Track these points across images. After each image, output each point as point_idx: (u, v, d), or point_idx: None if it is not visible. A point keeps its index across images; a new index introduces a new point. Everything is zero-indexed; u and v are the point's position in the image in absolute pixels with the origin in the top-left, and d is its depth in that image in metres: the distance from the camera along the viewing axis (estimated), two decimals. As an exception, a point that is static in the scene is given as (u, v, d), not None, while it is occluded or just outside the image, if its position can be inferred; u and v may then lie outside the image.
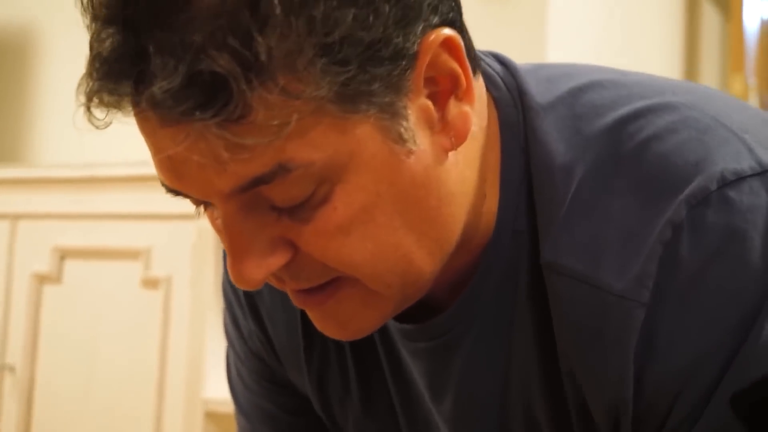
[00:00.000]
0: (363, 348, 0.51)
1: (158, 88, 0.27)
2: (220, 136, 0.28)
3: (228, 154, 0.29)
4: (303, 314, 0.47)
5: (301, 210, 0.33)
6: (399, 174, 0.35)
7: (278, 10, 0.28)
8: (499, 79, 0.40)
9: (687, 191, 0.34)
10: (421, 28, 0.32)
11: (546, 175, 0.40)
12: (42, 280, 1.28)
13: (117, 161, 1.36)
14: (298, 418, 0.58)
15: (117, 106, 0.30)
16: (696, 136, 0.36)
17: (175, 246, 1.21)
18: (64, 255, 1.29)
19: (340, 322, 0.40)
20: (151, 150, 0.32)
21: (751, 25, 1.58)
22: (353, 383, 0.53)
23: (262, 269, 0.33)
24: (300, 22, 0.28)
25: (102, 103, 0.30)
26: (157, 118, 0.29)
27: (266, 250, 0.34)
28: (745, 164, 0.34)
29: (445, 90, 0.34)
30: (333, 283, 0.36)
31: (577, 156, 0.38)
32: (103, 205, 1.30)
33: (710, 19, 1.70)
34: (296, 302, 0.39)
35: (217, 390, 1.14)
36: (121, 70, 0.29)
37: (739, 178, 0.34)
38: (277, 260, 0.33)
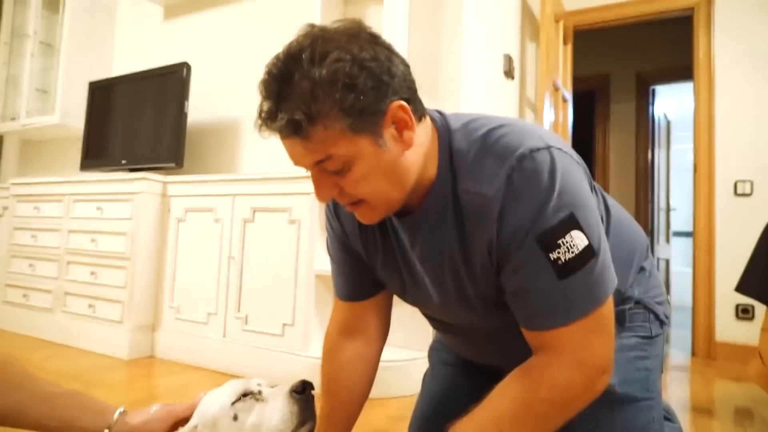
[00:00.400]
0: (383, 229, 0.97)
1: (278, 123, 0.72)
2: (301, 144, 0.73)
3: (305, 151, 0.74)
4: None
5: (340, 173, 0.76)
6: (380, 160, 0.77)
7: (322, 96, 0.70)
8: (438, 117, 0.87)
9: (516, 154, 0.76)
10: (387, 101, 0.74)
11: (457, 154, 0.83)
12: (245, 222, 2.36)
13: (278, 171, 2.43)
14: (356, 261, 1.05)
15: (270, 129, 0.74)
16: (519, 134, 0.80)
17: (301, 207, 2.19)
18: (257, 211, 2.33)
19: (363, 218, 0.85)
20: (287, 151, 0.77)
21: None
22: (378, 244, 0.98)
23: (327, 195, 0.79)
24: (330, 101, 0.70)
25: (266, 130, 0.75)
26: (282, 137, 0.74)
27: (328, 188, 0.78)
28: (540, 144, 0.77)
29: (401, 125, 0.77)
30: (358, 203, 0.81)
31: (471, 146, 0.82)
32: (272, 189, 2.28)
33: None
34: (347, 210, 0.85)
35: (320, 265, 2.14)
36: (269, 117, 0.74)
37: (536, 150, 0.77)
38: (332, 192, 0.79)
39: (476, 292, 0.88)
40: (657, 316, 1.07)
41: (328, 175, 0.78)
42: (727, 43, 3.20)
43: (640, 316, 1.04)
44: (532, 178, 0.76)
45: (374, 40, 0.77)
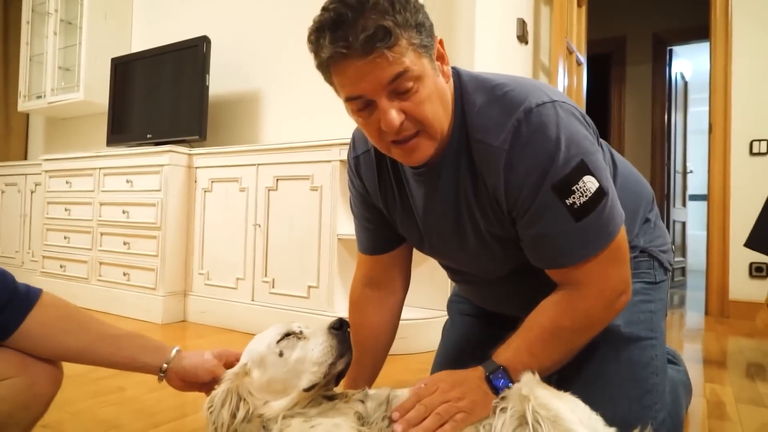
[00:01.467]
0: (400, 184, 1.05)
1: (364, 35, 0.77)
2: (386, 54, 0.78)
3: (387, 63, 0.78)
4: (378, 174, 1.06)
5: (408, 95, 0.82)
6: (437, 83, 0.86)
7: (401, 11, 0.79)
8: (452, 71, 0.93)
9: (522, 107, 0.85)
10: (434, 34, 0.86)
11: (467, 105, 0.90)
12: (269, 190, 2.45)
13: (300, 140, 2.56)
14: (377, 217, 1.14)
15: (350, 49, 0.78)
16: (525, 89, 0.88)
17: (322, 174, 2.27)
18: (279, 179, 2.41)
19: (413, 154, 0.89)
20: (345, 80, 0.82)
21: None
22: (397, 200, 1.07)
23: (398, 118, 0.82)
24: (409, 16, 0.80)
25: (340, 55, 0.79)
26: (363, 52, 0.78)
27: (397, 111, 0.82)
28: (545, 98, 0.86)
29: (442, 59, 0.88)
30: (413, 136, 0.86)
31: (479, 98, 0.90)
32: (294, 158, 2.36)
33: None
34: (396, 149, 0.87)
35: (342, 230, 2.21)
36: (350, 34, 0.77)
37: (540, 104, 0.85)
38: (400, 115, 0.82)
39: (491, 233, 0.96)
40: (661, 264, 1.15)
41: (394, 102, 0.82)
42: (744, 1, 3.16)
43: (645, 263, 1.12)
44: (539, 130, 0.84)
45: None
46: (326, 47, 0.80)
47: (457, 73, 0.96)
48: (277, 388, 0.91)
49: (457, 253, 1.07)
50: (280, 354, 0.92)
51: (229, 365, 0.98)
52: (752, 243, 1.84)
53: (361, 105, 0.84)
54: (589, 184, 0.84)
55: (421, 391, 0.86)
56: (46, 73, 3.78)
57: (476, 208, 0.95)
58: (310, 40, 0.84)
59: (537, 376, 0.83)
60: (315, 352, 0.90)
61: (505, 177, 0.87)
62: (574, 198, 0.83)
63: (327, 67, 0.84)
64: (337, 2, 0.79)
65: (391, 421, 0.83)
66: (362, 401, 0.90)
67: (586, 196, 0.84)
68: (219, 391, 0.92)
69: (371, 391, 0.94)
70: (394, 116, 0.82)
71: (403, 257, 1.21)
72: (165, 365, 0.95)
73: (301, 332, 0.95)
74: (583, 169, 0.84)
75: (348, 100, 0.85)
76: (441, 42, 0.88)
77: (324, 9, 0.81)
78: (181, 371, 0.95)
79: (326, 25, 0.79)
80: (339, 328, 0.93)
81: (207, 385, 0.96)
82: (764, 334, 1.83)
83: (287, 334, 0.94)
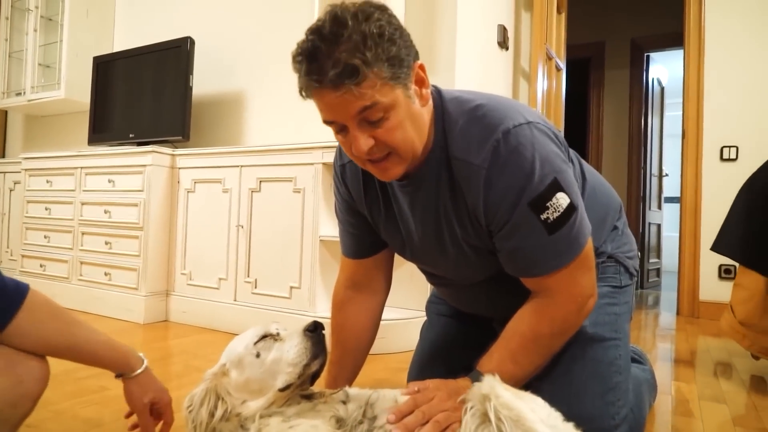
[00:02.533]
0: (385, 193, 1.09)
1: (333, 72, 0.80)
2: (354, 90, 0.81)
3: (355, 98, 0.82)
4: (364, 183, 1.10)
5: (378, 123, 0.86)
6: (410, 109, 0.89)
7: (372, 47, 0.81)
8: (433, 90, 0.98)
9: (501, 128, 0.90)
10: (412, 59, 0.88)
11: (448, 124, 0.96)
12: (252, 191, 2.45)
13: (283, 143, 2.62)
14: (361, 223, 1.18)
15: (321, 84, 0.82)
16: (503, 110, 0.94)
17: (305, 177, 2.29)
18: (263, 181, 2.42)
19: (385, 173, 0.93)
20: (321, 106, 0.86)
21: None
22: (381, 208, 1.11)
23: (365, 145, 0.87)
24: (381, 52, 0.81)
25: (313, 87, 0.84)
26: (332, 87, 0.81)
27: (367, 138, 0.87)
28: (520, 119, 0.91)
29: (420, 82, 0.91)
30: (386, 156, 0.90)
31: (460, 117, 0.95)
32: (278, 160, 2.38)
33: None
34: (370, 166, 0.92)
35: (324, 231, 2.24)
36: (321, 70, 0.81)
37: (517, 125, 0.91)
38: (369, 142, 0.87)
39: (469, 243, 1.02)
40: (627, 269, 1.21)
41: (365, 128, 0.87)
42: (717, 11, 3.27)
43: (612, 268, 1.18)
44: (515, 150, 0.89)
45: (389, 11, 0.89)
46: (303, 76, 0.85)
47: (438, 93, 1.01)
48: (254, 387, 0.95)
49: (437, 260, 1.12)
50: (257, 355, 0.96)
51: (153, 412, 1.05)
52: (718, 247, 1.92)
53: (336, 128, 0.89)
54: (562, 200, 0.90)
55: (418, 398, 0.89)
56: (25, 70, 3.74)
57: (455, 220, 1.00)
58: (293, 61, 0.88)
59: (497, 376, 0.87)
60: (290, 354, 0.94)
61: (484, 193, 0.92)
62: (548, 213, 0.90)
63: (305, 90, 0.89)
64: (314, 33, 0.83)
65: (388, 423, 0.86)
66: (344, 402, 0.94)
67: (558, 211, 0.90)
68: (198, 390, 0.96)
69: (352, 391, 0.98)
70: (362, 143, 0.87)
71: (385, 261, 1.26)
72: (125, 375, 1.02)
73: (278, 334, 0.99)
74: (556, 186, 0.90)
75: (324, 122, 0.90)
76: (422, 67, 0.91)
77: (305, 37, 0.85)
78: (127, 389, 1.03)
79: (304, 54, 0.84)
80: (314, 330, 0.97)
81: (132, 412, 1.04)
82: (729, 334, 1.91)
83: (264, 336, 0.98)
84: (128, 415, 1.08)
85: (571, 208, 0.91)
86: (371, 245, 1.22)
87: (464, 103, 0.98)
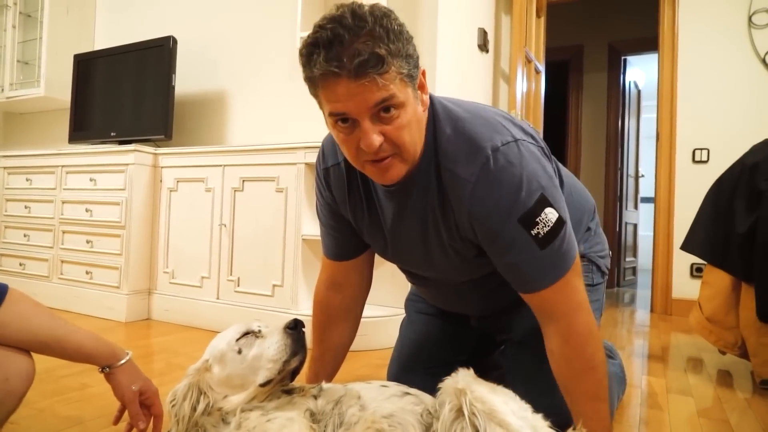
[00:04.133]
0: (369, 197, 1.10)
1: (358, 59, 0.80)
2: (377, 79, 0.82)
3: (376, 87, 0.82)
4: (348, 188, 1.11)
5: (390, 119, 0.87)
6: (416, 111, 0.91)
7: (395, 41, 0.83)
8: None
9: (490, 145, 0.93)
10: (419, 65, 0.90)
11: (439, 132, 0.98)
12: (235, 191, 2.46)
13: (266, 143, 2.65)
14: (343, 226, 1.20)
15: (342, 68, 0.81)
16: (492, 126, 0.97)
17: (287, 176, 2.31)
18: (245, 180, 2.44)
19: (386, 174, 0.93)
20: (334, 97, 0.84)
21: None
22: (365, 212, 1.13)
23: (377, 140, 0.87)
24: (401, 47, 0.84)
25: (331, 74, 0.82)
26: (354, 75, 0.81)
27: (377, 134, 0.87)
28: (509, 138, 0.95)
29: (421, 88, 0.93)
30: (388, 157, 0.91)
31: (448, 127, 0.98)
32: (260, 160, 2.40)
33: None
34: (370, 166, 0.92)
35: (306, 230, 2.27)
36: (344, 56, 0.81)
37: (505, 143, 0.94)
38: (380, 138, 0.87)
39: (454, 248, 1.05)
40: (599, 268, 1.27)
41: (376, 123, 0.87)
42: (690, 16, 3.36)
43: (585, 267, 1.24)
44: (504, 169, 0.92)
45: None
46: (319, 64, 0.82)
47: (430, 99, 1.02)
48: (236, 383, 0.98)
49: (421, 263, 1.15)
50: (239, 351, 0.99)
51: (143, 402, 1.07)
52: (687, 246, 1.99)
53: (343, 122, 0.88)
54: (551, 215, 0.93)
55: None
56: (4, 66, 3.70)
57: (442, 226, 1.03)
58: (302, 54, 0.86)
59: (471, 371, 0.91)
60: (270, 350, 0.97)
61: (469, 206, 0.95)
62: (538, 228, 0.92)
63: (315, 82, 0.87)
64: (334, 22, 0.82)
65: None
66: (315, 397, 0.98)
67: (548, 226, 0.93)
68: (181, 385, 0.99)
69: (326, 386, 1.02)
70: (375, 139, 0.87)
71: (366, 262, 1.29)
72: (111, 366, 1.05)
73: (259, 331, 1.02)
74: (544, 201, 0.93)
75: (332, 115, 0.88)
76: (423, 73, 0.93)
77: (320, 26, 0.84)
78: (114, 380, 1.05)
79: (321, 42, 0.82)
80: (294, 327, 1.00)
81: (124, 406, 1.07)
82: (697, 330, 1.99)
83: (246, 333, 1.02)
84: (116, 421, 1.10)
85: (560, 222, 0.94)
86: (353, 248, 1.25)
87: (454, 113, 1.00)
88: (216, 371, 1.00)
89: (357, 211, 1.14)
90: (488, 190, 0.92)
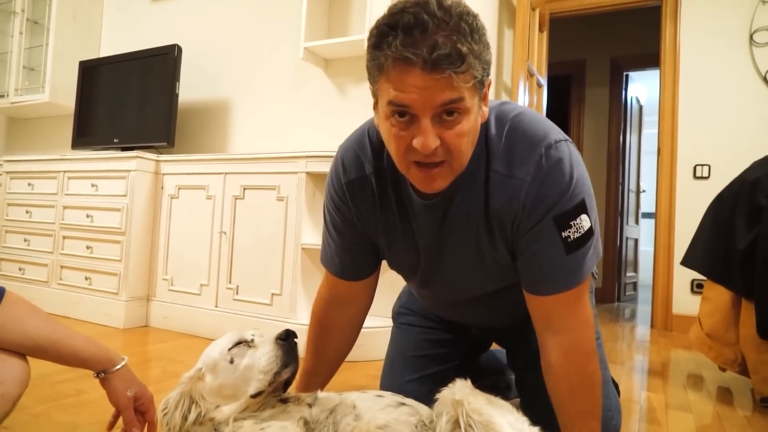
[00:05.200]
0: (403, 213, 1.03)
1: (438, 52, 0.74)
2: (451, 77, 0.76)
3: (449, 86, 0.76)
4: (380, 201, 1.02)
5: (452, 123, 0.81)
6: (476, 121, 0.85)
7: (478, 41, 0.78)
8: None
9: (544, 142, 0.90)
10: (490, 72, 0.83)
11: (491, 137, 0.94)
12: (235, 199, 2.47)
13: (267, 151, 2.67)
14: (360, 247, 1.13)
15: (417, 56, 0.74)
16: (542, 124, 0.94)
17: (288, 185, 2.32)
18: (246, 188, 2.45)
19: (432, 182, 0.87)
20: (400, 86, 0.77)
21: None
22: (399, 227, 1.06)
23: (434, 142, 0.80)
24: (482, 50, 0.79)
25: (403, 61, 0.75)
26: (430, 68, 0.75)
27: (435, 136, 0.81)
28: (561, 136, 0.92)
29: (485, 99, 0.87)
30: (440, 163, 0.84)
31: (502, 132, 0.94)
32: (262, 168, 2.41)
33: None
34: (416, 170, 0.85)
35: (306, 239, 2.27)
36: (422, 44, 0.74)
37: (558, 141, 0.91)
38: (437, 141, 0.81)
39: (494, 257, 1.02)
40: (593, 274, 1.27)
41: (436, 125, 0.81)
42: (692, 34, 3.38)
43: None
44: (556, 166, 0.90)
45: None
46: (394, 47, 0.76)
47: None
48: (228, 393, 0.97)
49: (454, 277, 1.10)
50: (231, 361, 0.98)
51: (137, 408, 1.07)
52: (687, 261, 1.99)
53: (402, 114, 0.81)
54: (584, 222, 0.91)
55: None
56: (10, 72, 3.73)
57: (485, 233, 0.98)
58: (372, 34, 0.80)
59: (469, 381, 0.90)
60: (261, 361, 0.96)
61: (523, 203, 0.92)
62: (569, 232, 0.91)
63: (382, 66, 0.80)
64: (419, 6, 0.76)
65: None
66: (310, 405, 0.97)
67: (579, 232, 0.91)
68: (174, 393, 0.98)
69: (321, 395, 1.01)
70: (432, 140, 0.81)
71: (373, 282, 1.24)
72: (107, 371, 1.04)
73: (252, 340, 1.01)
74: (583, 207, 0.91)
75: (391, 104, 0.81)
76: (489, 84, 0.87)
77: (401, 9, 0.77)
78: (110, 386, 1.04)
79: (402, 25, 0.75)
80: (285, 338, 0.98)
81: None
82: (697, 346, 1.98)
83: (239, 342, 1.00)
84: (111, 426, 1.09)
85: (590, 232, 0.92)
86: (363, 270, 1.19)
87: (503, 117, 0.96)
88: (208, 380, 0.99)
89: (389, 226, 1.07)
90: (539, 187, 0.90)
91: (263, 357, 0.96)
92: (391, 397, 1.01)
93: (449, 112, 0.80)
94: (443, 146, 0.82)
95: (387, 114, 0.84)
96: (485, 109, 0.89)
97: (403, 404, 0.99)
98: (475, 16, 0.79)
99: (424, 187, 0.90)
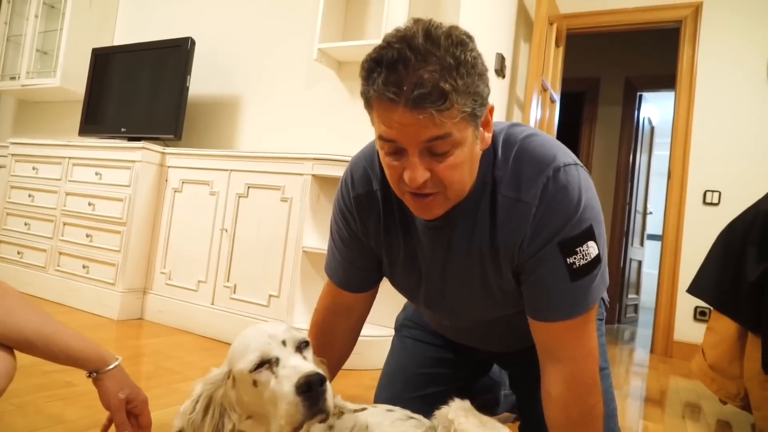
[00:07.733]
0: (407, 233, 1.03)
1: (418, 91, 0.72)
2: (433, 115, 0.74)
3: (431, 123, 0.75)
4: (385, 221, 1.01)
5: (441, 156, 0.79)
6: (472, 151, 0.82)
7: (465, 75, 0.74)
8: None
9: (552, 165, 0.87)
10: (488, 101, 0.81)
11: (499, 160, 0.91)
12: (239, 196, 2.46)
13: (274, 150, 2.65)
14: (364, 261, 1.12)
15: (399, 97, 0.74)
16: (550, 146, 0.91)
17: (294, 186, 2.31)
18: (251, 187, 2.43)
19: (425, 211, 0.88)
20: (386, 122, 0.77)
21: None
22: (402, 248, 1.06)
23: (422, 176, 0.79)
24: (470, 83, 0.75)
25: (387, 100, 0.75)
26: (411, 106, 0.74)
27: (424, 170, 0.80)
28: (570, 160, 0.88)
29: (485, 125, 0.85)
30: (432, 194, 0.83)
31: (507, 156, 0.91)
32: (267, 167, 2.38)
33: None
34: (410, 198, 0.86)
35: (307, 242, 2.26)
36: (403, 84, 0.73)
37: (567, 165, 0.88)
38: (426, 174, 0.80)
39: (500, 284, 0.99)
40: (604, 301, 1.24)
41: (425, 158, 0.80)
42: (709, 57, 3.35)
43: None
44: (564, 190, 0.87)
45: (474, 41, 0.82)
46: (377, 85, 0.76)
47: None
48: (256, 411, 0.84)
49: (456, 302, 1.07)
50: (254, 383, 0.82)
51: (130, 411, 1.02)
52: (693, 289, 1.95)
53: (392, 149, 0.82)
54: (591, 249, 0.88)
55: None
56: (23, 54, 3.72)
57: (489, 259, 0.96)
58: (363, 68, 0.80)
59: (467, 402, 0.87)
60: (281, 407, 0.78)
61: (531, 227, 0.89)
62: (575, 258, 0.87)
63: (370, 100, 0.81)
64: (404, 42, 0.75)
65: None
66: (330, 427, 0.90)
67: (586, 259, 0.88)
68: (201, 395, 0.86)
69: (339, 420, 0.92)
70: (419, 174, 0.80)
71: (374, 293, 1.23)
72: (99, 371, 1.00)
73: (277, 361, 0.82)
74: (590, 234, 0.88)
75: (381, 138, 0.82)
76: (491, 110, 0.85)
77: (388, 43, 0.77)
78: (102, 386, 1.00)
79: (385, 61, 0.75)
80: (307, 391, 0.77)
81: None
82: (699, 376, 1.94)
83: (261, 363, 0.82)
84: (104, 430, 1.04)
85: (597, 260, 0.89)
86: (365, 283, 1.18)
87: (510, 139, 0.94)
88: (235, 391, 0.86)
89: (392, 245, 1.06)
90: (545, 211, 0.87)
91: (283, 405, 0.77)
92: (400, 411, 0.99)
93: (438, 147, 0.79)
94: (434, 179, 0.82)
95: (380, 145, 0.85)
96: (487, 135, 0.87)
97: (412, 418, 0.97)
98: (465, 46, 0.76)
99: (421, 215, 0.90)
